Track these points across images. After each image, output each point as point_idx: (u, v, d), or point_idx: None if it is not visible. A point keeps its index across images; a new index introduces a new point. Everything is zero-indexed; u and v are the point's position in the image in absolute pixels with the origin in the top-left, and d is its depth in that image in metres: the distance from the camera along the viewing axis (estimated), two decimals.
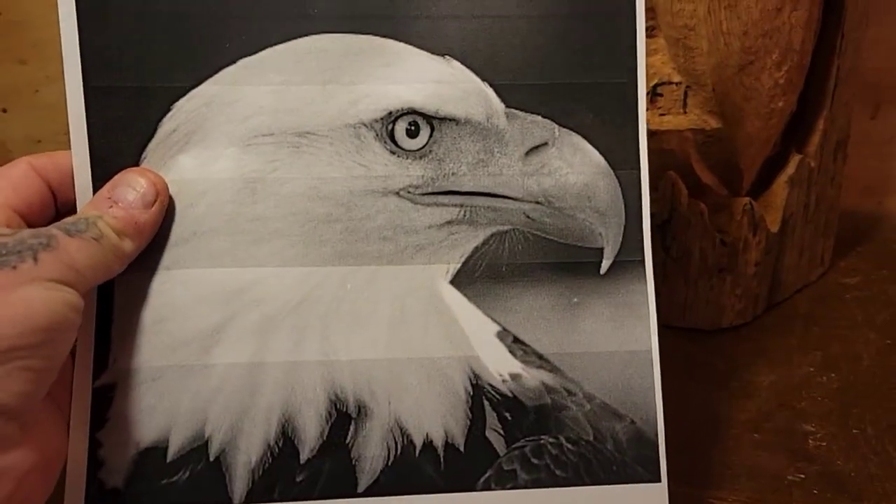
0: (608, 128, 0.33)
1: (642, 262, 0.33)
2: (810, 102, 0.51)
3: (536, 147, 0.33)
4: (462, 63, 0.33)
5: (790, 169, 0.51)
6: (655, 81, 0.50)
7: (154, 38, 0.32)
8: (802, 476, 0.41)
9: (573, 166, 0.33)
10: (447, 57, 0.33)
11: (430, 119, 0.32)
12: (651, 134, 0.50)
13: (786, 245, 0.53)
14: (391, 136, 0.32)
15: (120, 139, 0.32)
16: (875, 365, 0.49)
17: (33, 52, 0.67)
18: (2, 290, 0.27)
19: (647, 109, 0.51)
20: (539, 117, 0.33)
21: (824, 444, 0.43)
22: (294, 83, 0.32)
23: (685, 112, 0.50)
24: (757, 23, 0.45)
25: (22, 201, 0.32)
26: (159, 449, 0.31)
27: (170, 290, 0.32)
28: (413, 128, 0.32)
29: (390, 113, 0.32)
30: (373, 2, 0.33)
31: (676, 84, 0.50)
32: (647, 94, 0.50)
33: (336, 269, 0.32)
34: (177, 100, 0.32)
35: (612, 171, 0.33)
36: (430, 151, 0.33)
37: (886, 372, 0.48)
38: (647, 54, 0.51)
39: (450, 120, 0.32)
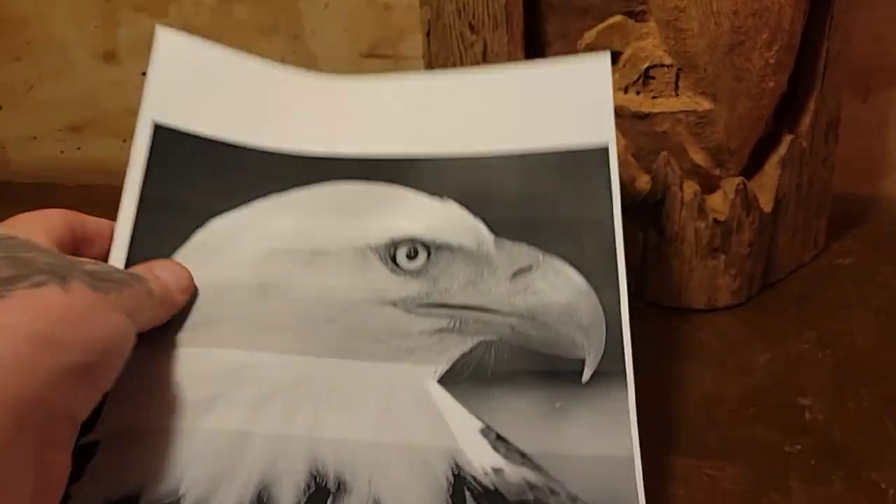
0: (588, 255, 0.37)
1: (623, 372, 0.35)
2: (801, 84, 0.52)
3: (522, 269, 0.37)
4: (458, 202, 0.38)
5: (782, 149, 0.51)
6: (647, 64, 0.50)
7: (207, 168, 0.38)
8: (799, 447, 0.41)
9: (556, 287, 0.36)
10: (445, 198, 0.38)
11: (427, 245, 0.37)
12: (643, 116, 0.50)
13: (779, 226, 0.53)
14: (393, 258, 0.37)
15: (156, 241, 0.37)
16: (870, 343, 0.49)
17: (28, 49, 0.67)
18: (99, 310, 0.29)
19: (639, 93, 0.51)
20: (525, 245, 0.37)
21: (821, 416, 0.43)
22: (314, 215, 0.38)
23: (677, 94, 0.50)
24: (747, 2, 0.45)
25: (51, 245, 0.34)
26: (130, 502, 0.31)
27: (171, 363, 0.34)
28: (412, 252, 0.37)
29: (393, 240, 0.37)
30: (387, 163, 0.40)
31: (668, 66, 0.50)
32: (639, 77, 0.51)
33: (331, 361, 0.35)
34: (212, 218, 0.37)
35: (593, 291, 0.36)
36: (427, 271, 0.37)
37: (882, 349, 0.49)
38: (639, 38, 0.51)
39: (445, 247, 0.37)
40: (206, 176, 0.38)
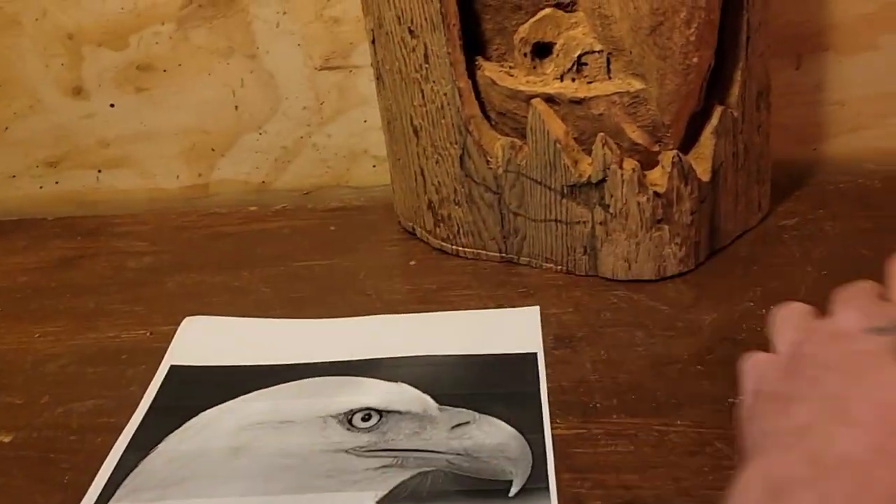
0: (518, 412, 0.45)
1: (547, 488, 0.40)
2: (727, 56, 0.54)
3: (460, 424, 0.44)
4: (410, 385, 0.47)
5: (714, 120, 0.54)
6: (579, 52, 0.53)
7: (209, 385, 0.49)
8: (743, 397, 0.44)
9: (489, 435, 0.43)
10: (399, 382, 0.48)
11: (380, 412, 0.45)
12: (580, 101, 0.53)
13: (719, 193, 0.56)
14: (349, 421, 0.45)
15: (153, 432, 0.46)
16: (812, 294, 0.52)
17: (0, 91, 0.70)
18: None
19: (574, 80, 0.54)
20: (464, 409, 0.45)
21: None
22: (287, 399, 0.48)
23: (610, 77, 0.53)
24: None
25: None
26: None
27: None
28: (367, 416, 0.45)
29: (352, 410, 0.46)
30: (354, 363, 0.50)
31: (599, 52, 0.53)
32: (573, 65, 0.54)
33: (285, 497, 0.41)
34: (204, 411, 0.47)
35: (521, 436, 0.43)
36: (377, 428, 0.44)
37: (823, 300, 0.51)
38: (569, 28, 0.54)
39: (395, 412, 0.45)
40: (206, 388, 0.49)
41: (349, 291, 0.57)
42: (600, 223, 0.54)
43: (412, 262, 0.60)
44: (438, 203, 0.60)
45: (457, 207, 0.59)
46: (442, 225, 0.60)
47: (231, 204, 0.72)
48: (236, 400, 0.47)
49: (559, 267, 0.57)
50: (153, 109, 0.70)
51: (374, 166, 0.71)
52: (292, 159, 0.71)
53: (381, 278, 0.59)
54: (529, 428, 0.43)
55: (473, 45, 0.57)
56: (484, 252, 0.60)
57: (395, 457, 0.43)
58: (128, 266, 0.63)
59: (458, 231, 0.60)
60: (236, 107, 0.69)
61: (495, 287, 0.56)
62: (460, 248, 0.60)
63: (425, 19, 0.53)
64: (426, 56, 0.55)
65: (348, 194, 0.72)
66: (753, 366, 0.37)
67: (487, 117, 0.57)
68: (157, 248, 0.65)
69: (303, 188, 0.72)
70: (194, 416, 0.46)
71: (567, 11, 0.54)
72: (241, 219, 0.69)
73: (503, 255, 0.59)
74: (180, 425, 0.46)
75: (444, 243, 0.61)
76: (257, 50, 0.67)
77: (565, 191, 0.54)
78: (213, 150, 0.71)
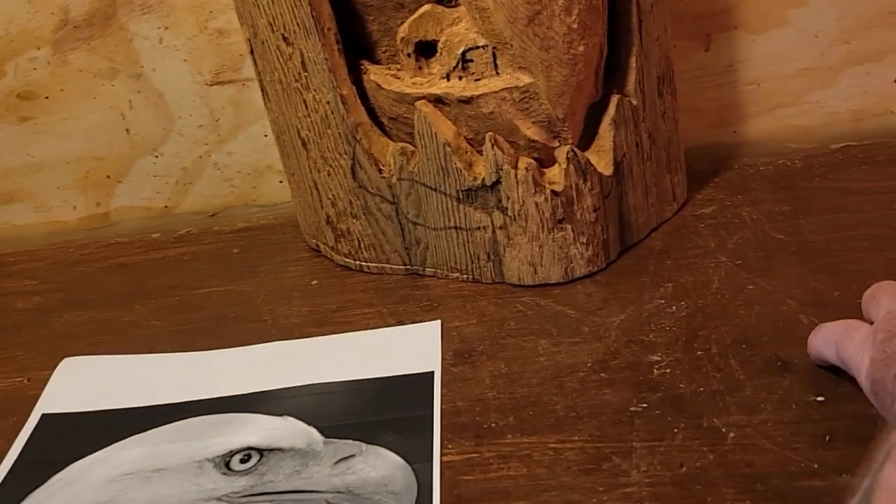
0: (408, 439, 0.41)
1: None
2: (621, 43, 0.52)
3: (346, 457, 0.41)
4: (296, 418, 0.44)
5: (611, 110, 0.51)
6: (462, 48, 0.50)
7: (79, 433, 0.46)
8: (645, 405, 0.41)
9: (375, 467, 0.40)
10: (285, 416, 0.44)
11: (261, 451, 0.42)
12: (468, 101, 0.50)
13: (626, 186, 0.53)
14: (227, 464, 0.42)
15: (15, 488, 0.43)
16: (724, 287, 0.49)
17: None
18: None
19: (462, 78, 0.51)
20: (351, 440, 0.42)
21: (668, 371, 0.43)
22: (164, 443, 0.44)
23: (497, 73, 0.50)
24: None
25: None
26: None
27: None
28: (246, 457, 0.42)
29: (231, 451, 0.43)
30: (239, 397, 0.46)
31: (483, 47, 0.50)
32: (458, 63, 0.51)
33: None
34: (72, 462, 0.44)
35: (409, 466, 0.40)
36: (256, 469, 0.41)
37: (734, 291, 0.49)
38: (451, 24, 0.51)
39: (277, 450, 0.42)
40: (79, 437, 0.45)
41: (244, 319, 0.54)
42: (500, 227, 0.51)
43: (314, 282, 0.57)
44: (336, 217, 0.56)
45: (355, 221, 0.56)
46: (343, 240, 0.57)
47: (133, 232, 0.68)
48: (109, 448, 0.44)
49: (465, 276, 0.54)
50: (40, 139, 0.66)
51: (280, 182, 0.68)
52: (194, 181, 0.68)
53: (279, 302, 0.55)
54: (418, 456, 0.40)
55: (360, 48, 0.54)
56: (388, 266, 0.56)
57: (272, 500, 0.39)
58: (15, 308, 0.59)
59: (360, 245, 0.56)
60: (128, 130, 0.66)
61: (398, 302, 0.53)
62: (364, 264, 0.57)
63: (298, 25, 0.50)
64: (304, 64, 0.52)
65: (256, 213, 0.68)
66: (848, 328, 0.40)
67: (380, 124, 0.54)
68: (47, 286, 0.61)
69: (208, 210, 0.69)
70: (62, 469, 0.43)
71: (449, 7, 0.51)
72: (142, 247, 0.65)
73: (408, 267, 0.56)
74: (46, 480, 0.42)
75: (347, 259, 0.58)
76: (142, 69, 0.63)
77: (461, 196, 0.51)
78: (108, 176, 0.67)
